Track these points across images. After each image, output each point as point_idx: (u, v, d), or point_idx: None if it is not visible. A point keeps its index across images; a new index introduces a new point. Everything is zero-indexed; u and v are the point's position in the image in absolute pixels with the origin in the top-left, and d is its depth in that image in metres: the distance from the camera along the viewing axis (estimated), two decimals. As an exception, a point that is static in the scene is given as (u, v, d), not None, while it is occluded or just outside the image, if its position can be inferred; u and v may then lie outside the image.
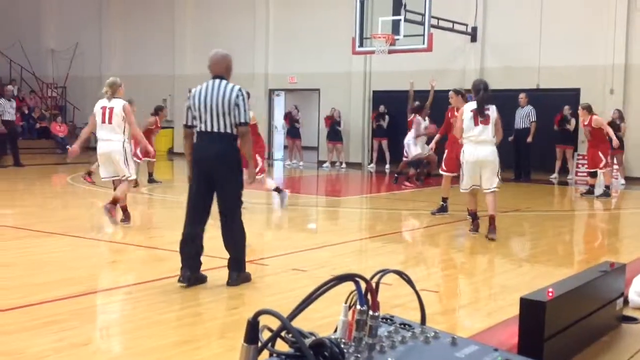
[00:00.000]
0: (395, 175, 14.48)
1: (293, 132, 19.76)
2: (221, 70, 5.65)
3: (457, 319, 4.87)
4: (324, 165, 18.96)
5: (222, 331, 4.39)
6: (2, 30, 24.98)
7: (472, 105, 7.93)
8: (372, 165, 18.86)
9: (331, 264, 6.54)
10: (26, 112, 23.19)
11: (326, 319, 3.73)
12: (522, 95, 15.97)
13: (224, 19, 21.77)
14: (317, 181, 15.96)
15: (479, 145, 7.78)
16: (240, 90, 5.56)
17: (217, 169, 5.48)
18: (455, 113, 9.37)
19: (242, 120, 5.48)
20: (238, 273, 5.54)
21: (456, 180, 9.36)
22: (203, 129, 5.52)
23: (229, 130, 5.49)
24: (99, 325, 4.36)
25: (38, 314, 4.56)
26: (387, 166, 18.06)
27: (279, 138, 21.83)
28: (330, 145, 19.20)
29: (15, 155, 16.80)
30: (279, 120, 21.45)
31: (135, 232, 8.17)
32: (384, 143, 18.26)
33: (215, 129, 5.47)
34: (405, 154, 14.15)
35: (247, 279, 5.60)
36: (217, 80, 5.59)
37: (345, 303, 1.53)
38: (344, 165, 19.06)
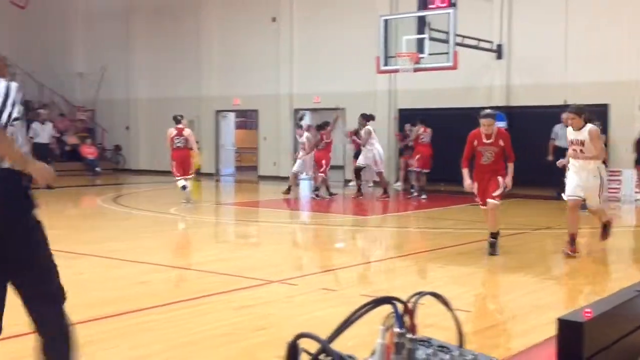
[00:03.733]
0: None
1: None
2: None
3: (490, 339, 4.81)
4: (350, 184, 18.93)
5: (253, 352, 4.39)
6: (32, 54, 25.48)
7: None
8: (398, 183, 18.79)
9: (360, 284, 6.52)
10: (57, 135, 23.55)
11: (354, 339, 3.72)
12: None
13: (248, 41, 21.96)
14: (344, 200, 15.93)
15: None
16: None
17: None
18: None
19: None
20: None
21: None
22: None
23: None
24: (129, 346, 4.39)
25: (71, 336, 4.60)
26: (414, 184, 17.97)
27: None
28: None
29: None
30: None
31: (163, 253, 8.23)
32: (411, 161, 18.17)
33: None
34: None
35: None
36: None
37: (382, 325, 1.53)
38: (370, 183, 19.02)
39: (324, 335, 1.65)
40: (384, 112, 19.54)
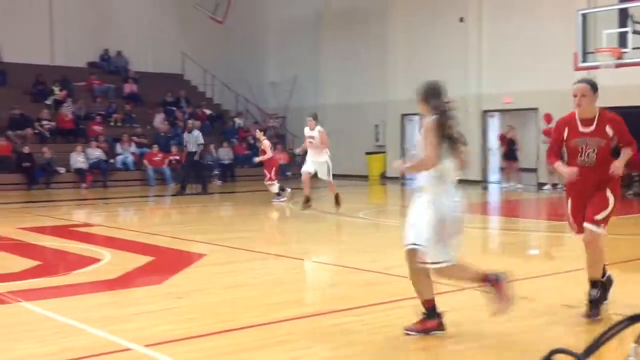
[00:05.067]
0: None
1: (509, 154, 19.10)
2: None
3: None
4: (545, 187, 18.02)
5: (451, 360, 4.26)
6: (229, 66, 27.20)
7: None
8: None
9: (562, 293, 6.10)
10: (252, 141, 24.88)
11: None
12: None
13: (435, 43, 21.73)
14: (538, 204, 15.17)
15: None
16: None
17: None
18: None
19: None
20: None
21: None
22: None
23: None
24: (329, 346, 4.43)
25: (273, 333, 4.75)
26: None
27: (494, 160, 21.23)
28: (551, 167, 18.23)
29: (202, 183, 18.20)
30: (493, 142, 20.91)
31: (352, 256, 8.31)
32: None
33: None
34: None
35: None
36: None
37: (635, 343, 1.34)
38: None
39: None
40: (580, 112, 18.37)
